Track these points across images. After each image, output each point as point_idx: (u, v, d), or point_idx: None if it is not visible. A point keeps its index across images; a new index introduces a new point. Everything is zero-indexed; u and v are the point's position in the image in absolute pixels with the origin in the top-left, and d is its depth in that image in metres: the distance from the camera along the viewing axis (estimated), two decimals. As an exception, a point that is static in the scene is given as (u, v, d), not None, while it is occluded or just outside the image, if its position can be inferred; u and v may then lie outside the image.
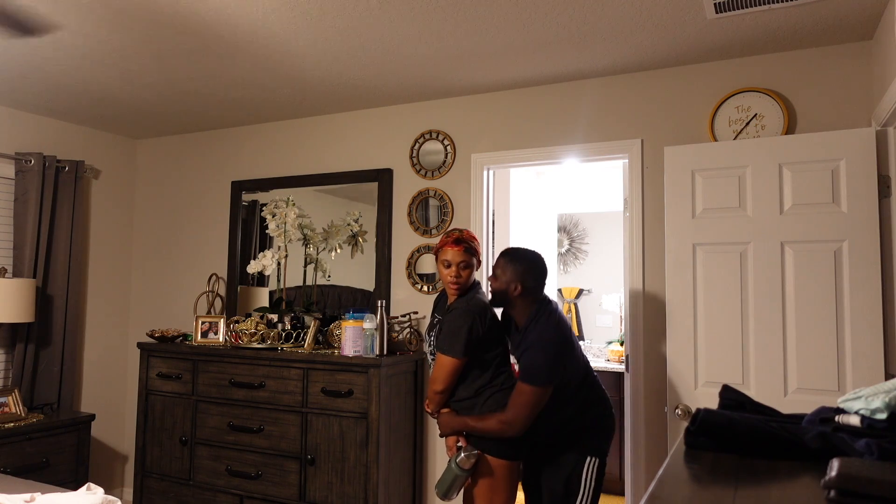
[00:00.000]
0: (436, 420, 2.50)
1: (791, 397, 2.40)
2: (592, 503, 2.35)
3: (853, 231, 2.36)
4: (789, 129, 2.66)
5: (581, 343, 4.98)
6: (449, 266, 2.44)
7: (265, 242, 3.86)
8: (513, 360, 2.48)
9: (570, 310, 5.18)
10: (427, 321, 2.64)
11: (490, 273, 2.49)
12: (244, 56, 2.83)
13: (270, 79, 3.13)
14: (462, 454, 2.32)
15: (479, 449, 2.32)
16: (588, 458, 2.34)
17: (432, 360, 2.49)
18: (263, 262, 3.45)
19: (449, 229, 2.58)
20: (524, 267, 2.34)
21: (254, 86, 3.24)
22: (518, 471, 2.42)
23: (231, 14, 2.41)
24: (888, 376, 2.31)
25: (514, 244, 4.58)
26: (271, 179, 3.87)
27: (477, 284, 2.52)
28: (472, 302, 2.40)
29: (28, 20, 2.46)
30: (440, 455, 3.28)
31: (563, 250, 5.29)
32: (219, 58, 2.85)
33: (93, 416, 3.58)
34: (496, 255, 2.49)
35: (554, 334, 2.28)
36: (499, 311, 2.52)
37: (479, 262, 2.52)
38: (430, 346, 2.55)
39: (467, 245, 2.45)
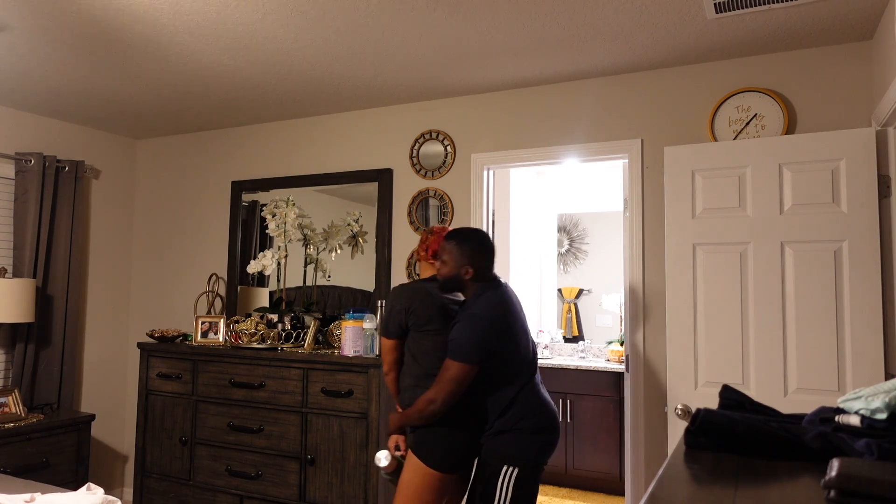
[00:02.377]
0: None
1: (791, 397, 2.40)
2: None
3: (853, 231, 2.36)
4: (789, 129, 2.66)
5: (581, 343, 5.01)
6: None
7: (265, 242, 3.86)
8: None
9: (570, 310, 5.18)
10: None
11: (437, 259, 2.36)
12: (244, 56, 2.83)
13: (270, 79, 3.13)
14: (382, 455, 2.31)
15: (417, 454, 2.26)
16: (504, 468, 2.15)
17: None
18: (263, 262, 3.45)
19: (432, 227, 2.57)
20: (472, 248, 2.26)
21: (254, 86, 3.24)
22: (448, 486, 2.29)
23: (230, 14, 2.41)
24: (888, 376, 2.31)
25: (514, 244, 4.60)
26: (271, 179, 3.87)
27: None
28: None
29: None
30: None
31: (563, 250, 5.29)
32: (219, 58, 2.85)
33: (93, 417, 3.58)
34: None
35: (488, 311, 2.16)
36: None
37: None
38: None
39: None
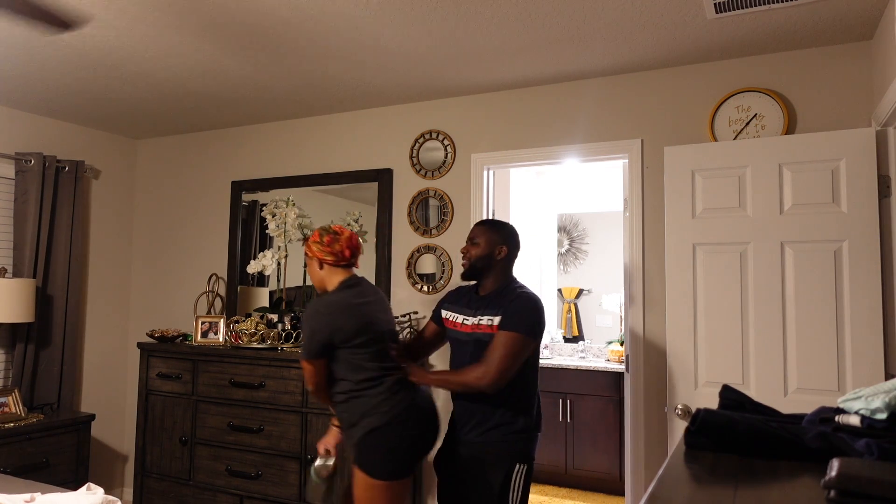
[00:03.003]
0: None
1: (791, 397, 2.40)
2: None
3: (853, 231, 2.36)
4: (789, 129, 2.66)
5: (581, 343, 5.01)
6: None
7: (265, 242, 3.86)
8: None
9: (570, 310, 5.18)
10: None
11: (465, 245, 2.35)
12: (244, 56, 2.83)
13: (270, 79, 3.12)
14: (318, 461, 2.29)
15: (356, 464, 2.21)
16: (517, 466, 2.16)
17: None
18: (263, 262, 3.45)
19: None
20: (507, 232, 2.31)
21: (253, 86, 3.24)
22: (404, 490, 2.26)
23: (232, 14, 2.41)
24: (888, 376, 2.31)
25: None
26: (271, 179, 3.87)
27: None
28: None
29: (62, 13, 2.42)
30: (440, 455, 3.27)
31: (563, 250, 5.29)
32: (218, 58, 2.85)
33: (93, 416, 3.58)
34: None
35: (537, 298, 2.22)
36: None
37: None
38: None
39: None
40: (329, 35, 2.59)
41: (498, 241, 2.28)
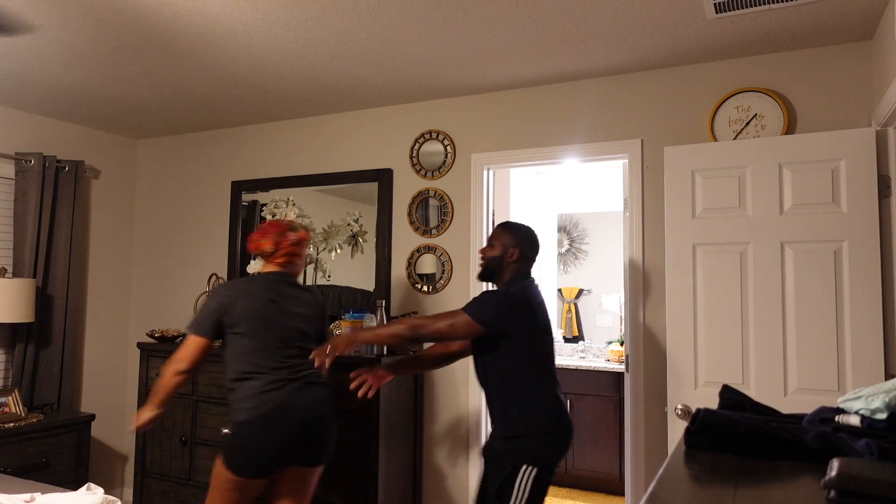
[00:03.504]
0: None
1: (791, 397, 2.40)
2: None
3: (853, 231, 2.36)
4: (789, 129, 2.66)
5: (581, 343, 5.01)
6: None
7: (265, 242, 3.85)
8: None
9: (570, 310, 5.18)
10: None
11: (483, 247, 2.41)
12: (243, 56, 2.83)
13: (270, 79, 3.13)
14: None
15: (224, 456, 2.27)
16: (524, 467, 2.12)
17: None
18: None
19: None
20: (522, 235, 2.33)
21: (253, 86, 3.24)
22: (247, 488, 2.28)
23: (230, 14, 2.41)
24: (888, 376, 2.31)
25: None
26: (271, 179, 3.87)
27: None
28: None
29: (8, 20, 2.45)
30: (441, 455, 3.28)
31: (563, 250, 5.29)
32: (218, 58, 2.85)
33: (93, 416, 3.58)
34: None
35: (520, 294, 2.22)
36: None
37: None
38: None
39: None
40: (329, 35, 2.59)
41: (510, 243, 2.31)
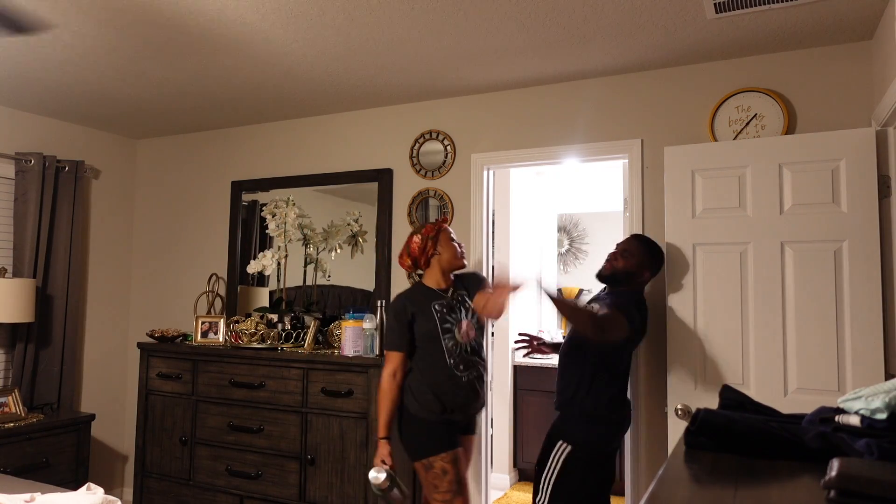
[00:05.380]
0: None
1: (791, 397, 2.40)
2: (555, 489, 2.32)
3: (853, 231, 2.36)
4: (789, 129, 2.66)
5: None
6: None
7: (265, 242, 3.86)
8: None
9: (570, 310, 5.18)
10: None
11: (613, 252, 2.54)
12: (244, 56, 2.83)
13: (270, 79, 3.13)
14: (371, 474, 2.35)
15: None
16: (559, 443, 2.34)
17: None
18: (263, 262, 3.45)
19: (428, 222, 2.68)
20: (658, 259, 2.48)
21: (253, 86, 3.24)
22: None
23: (230, 14, 2.41)
24: (888, 376, 2.31)
25: (513, 244, 4.59)
26: (271, 179, 3.87)
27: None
28: None
29: (23, 18, 2.45)
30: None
31: (563, 250, 5.29)
32: (218, 58, 2.85)
33: (93, 416, 3.58)
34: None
35: (645, 311, 2.43)
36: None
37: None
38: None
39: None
40: (329, 35, 2.59)
41: (647, 264, 2.45)
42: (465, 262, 2.64)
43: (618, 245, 2.51)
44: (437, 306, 2.54)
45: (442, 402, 2.44)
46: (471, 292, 2.60)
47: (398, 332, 2.53)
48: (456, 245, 2.62)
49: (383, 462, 2.44)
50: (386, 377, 2.51)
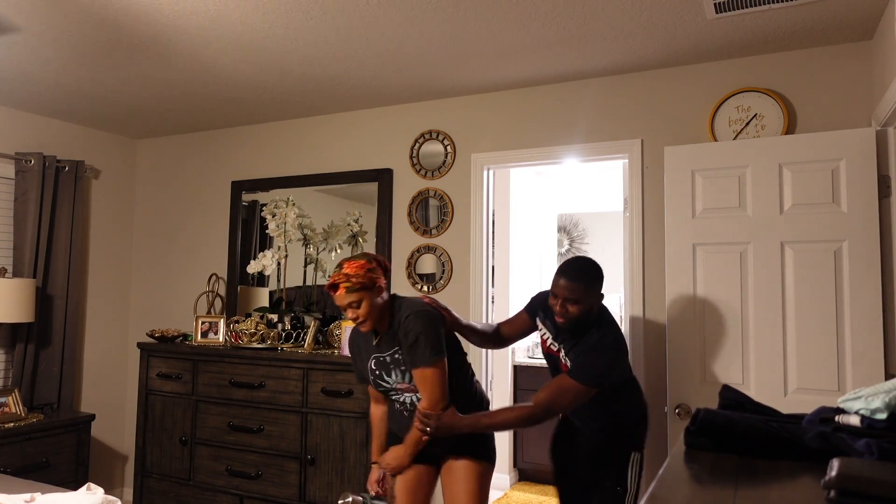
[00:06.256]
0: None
1: (791, 397, 2.40)
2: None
3: (853, 231, 2.36)
4: (789, 129, 2.66)
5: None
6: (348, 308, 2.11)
7: (265, 242, 3.86)
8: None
9: (570, 310, 5.18)
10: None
11: (560, 301, 2.20)
12: (244, 56, 2.83)
13: (270, 79, 3.12)
14: (339, 502, 2.15)
15: (484, 457, 2.26)
16: (632, 455, 2.35)
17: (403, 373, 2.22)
18: (263, 262, 3.45)
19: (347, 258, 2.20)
20: (601, 282, 2.27)
21: (253, 86, 3.24)
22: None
23: (230, 14, 2.41)
24: (888, 376, 2.31)
25: (513, 244, 4.59)
26: (271, 179, 3.87)
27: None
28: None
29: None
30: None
31: (563, 250, 5.29)
32: (218, 58, 2.85)
33: (93, 416, 3.58)
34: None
35: (614, 339, 2.21)
36: None
37: (378, 287, 2.13)
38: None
39: (350, 285, 2.07)
40: (329, 35, 2.59)
41: (594, 294, 2.21)
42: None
43: (558, 292, 2.18)
44: (373, 365, 2.25)
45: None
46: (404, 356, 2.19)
47: (357, 367, 2.34)
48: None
49: (372, 486, 2.34)
50: (371, 404, 2.41)
